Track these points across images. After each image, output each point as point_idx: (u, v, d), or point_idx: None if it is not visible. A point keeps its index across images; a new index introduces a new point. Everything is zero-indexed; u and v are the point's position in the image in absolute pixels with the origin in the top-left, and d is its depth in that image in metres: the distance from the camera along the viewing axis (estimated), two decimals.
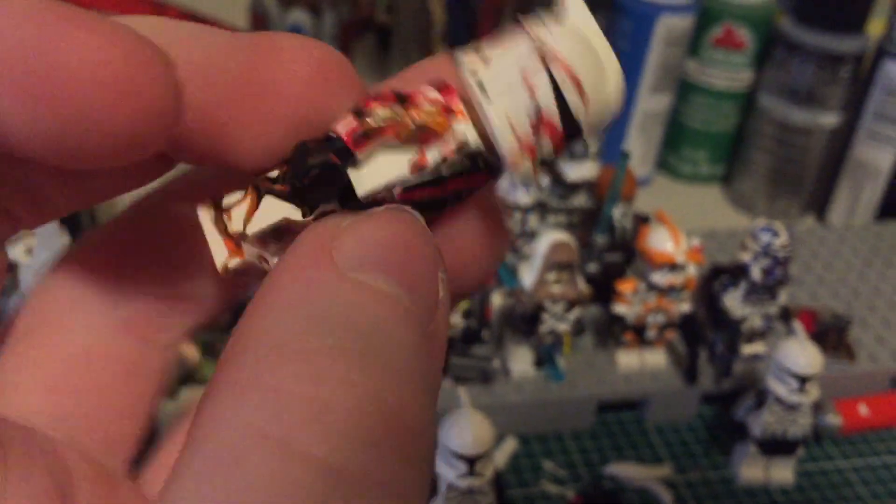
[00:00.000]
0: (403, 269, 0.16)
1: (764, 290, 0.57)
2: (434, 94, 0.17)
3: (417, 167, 0.17)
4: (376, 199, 0.17)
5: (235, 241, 0.17)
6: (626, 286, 0.57)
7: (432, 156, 0.17)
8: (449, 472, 0.46)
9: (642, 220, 0.60)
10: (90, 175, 0.17)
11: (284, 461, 0.13)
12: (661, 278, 0.56)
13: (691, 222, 0.67)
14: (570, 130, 0.17)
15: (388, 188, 0.17)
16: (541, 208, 0.61)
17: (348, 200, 0.17)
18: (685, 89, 0.82)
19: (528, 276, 0.55)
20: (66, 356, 0.19)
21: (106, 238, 0.20)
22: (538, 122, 0.17)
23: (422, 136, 0.17)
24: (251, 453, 0.13)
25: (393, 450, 0.14)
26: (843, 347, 0.62)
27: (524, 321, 0.55)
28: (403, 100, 0.17)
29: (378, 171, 0.17)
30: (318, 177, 0.17)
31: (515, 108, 0.17)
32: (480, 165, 0.17)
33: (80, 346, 0.19)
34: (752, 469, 0.56)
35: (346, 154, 0.17)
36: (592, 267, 0.61)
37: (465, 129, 0.17)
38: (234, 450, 0.13)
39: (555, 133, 0.17)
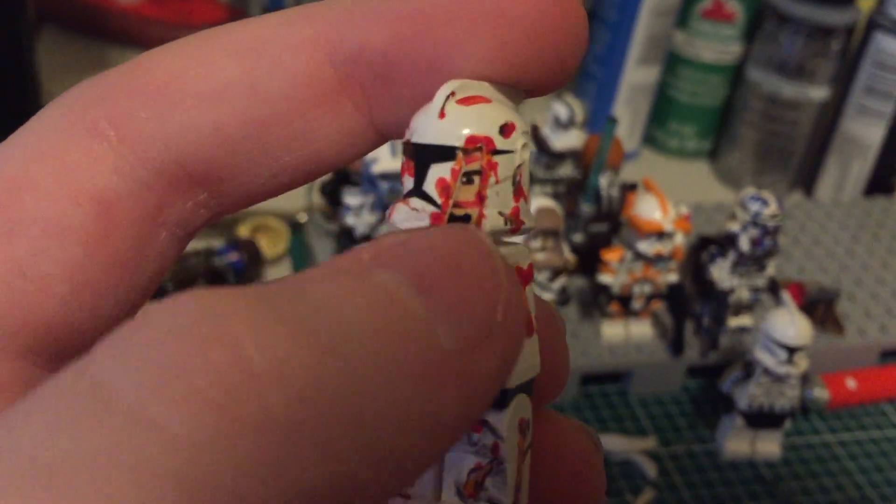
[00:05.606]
0: (428, 275, 0.14)
1: (752, 261, 0.56)
2: None
3: None
4: None
5: None
6: (611, 255, 0.55)
7: None
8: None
9: (629, 189, 0.59)
10: (311, 150, 0.17)
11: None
12: (648, 247, 0.54)
13: (678, 197, 0.65)
14: None
15: None
16: None
17: None
18: (673, 62, 0.80)
19: None
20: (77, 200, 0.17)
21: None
22: None
23: None
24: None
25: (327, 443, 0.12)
26: (830, 321, 0.61)
27: None
28: None
29: None
30: None
31: None
32: None
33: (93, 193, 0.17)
34: (737, 442, 0.55)
35: None
36: (578, 237, 0.60)
37: None
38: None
39: None
